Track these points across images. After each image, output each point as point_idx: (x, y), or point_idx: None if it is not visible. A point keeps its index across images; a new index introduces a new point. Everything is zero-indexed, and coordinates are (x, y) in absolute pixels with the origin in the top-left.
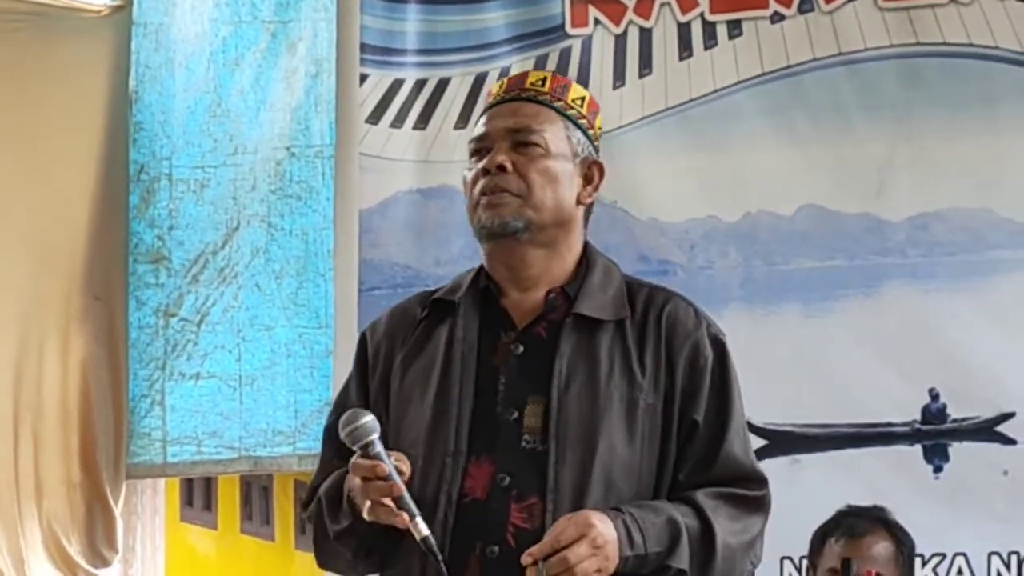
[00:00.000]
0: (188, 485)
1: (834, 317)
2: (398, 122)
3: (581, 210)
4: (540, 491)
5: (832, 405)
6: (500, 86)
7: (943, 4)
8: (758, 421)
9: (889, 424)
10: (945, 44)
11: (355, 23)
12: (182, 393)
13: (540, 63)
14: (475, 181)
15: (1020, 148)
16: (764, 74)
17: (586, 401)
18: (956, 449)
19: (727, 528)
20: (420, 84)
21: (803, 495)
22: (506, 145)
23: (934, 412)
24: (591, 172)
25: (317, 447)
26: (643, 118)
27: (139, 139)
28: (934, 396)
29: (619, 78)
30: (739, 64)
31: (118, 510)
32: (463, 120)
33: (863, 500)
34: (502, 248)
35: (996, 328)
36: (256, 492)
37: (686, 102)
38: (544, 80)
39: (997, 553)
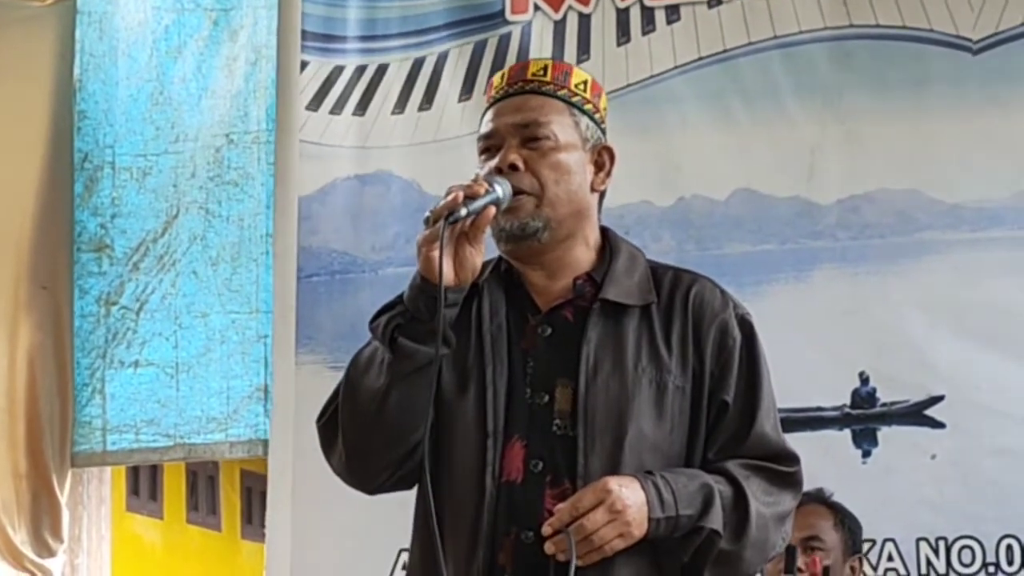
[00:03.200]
0: (134, 475)
1: (766, 301)
2: (337, 108)
3: (595, 197)
4: (571, 477)
5: None
6: (501, 78)
7: None
8: None
9: (819, 408)
10: (878, 27)
11: (296, 10)
12: (122, 381)
13: (479, 49)
14: (490, 175)
15: (949, 129)
16: (700, 59)
17: (614, 387)
18: (885, 433)
19: (760, 498)
20: (360, 70)
21: None
22: (515, 142)
23: (864, 396)
24: (602, 158)
25: (249, 434)
26: None
27: (83, 128)
28: (864, 380)
29: None
30: (676, 49)
31: (64, 500)
32: (400, 106)
33: None
34: (523, 249)
35: (925, 311)
36: (202, 482)
37: (623, 87)
38: (545, 68)
39: (925, 539)
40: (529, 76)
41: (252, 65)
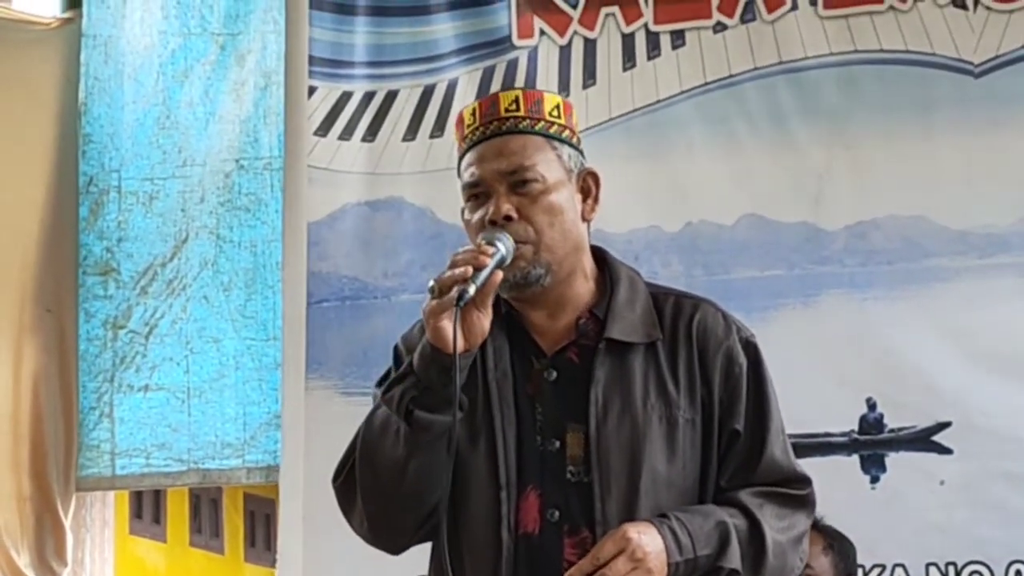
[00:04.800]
0: (137, 498)
1: (773, 327)
2: (346, 134)
3: (586, 226)
4: (589, 524)
5: None
6: (472, 114)
7: (881, 11)
8: None
9: (827, 434)
10: (882, 51)
11: (304, 35)
12: (131, 405)
13: (487, 74)
14: (480, 230)
15: (954, 153)
16: (706, 84)
17: (625, 428)
18: (893, 459)
19: (775, 525)
20: (368, 96)
21: None
22: (503, 189)
23: (871, 422)
24: (587, 184)
25: (266, 459)
26: (586, 129)
27: (88, 151)
28: (871, 406)
29: (563, 89)
30: (681, 74)
31: (68, 523)
32: (411, 132)
33: None
34: (527, 295)
35: (933, 337)
36: (205, 505)
37: (629, 112)
38: (517, 101)
39: (935, 564)
40: (503, 113)
41: (262, 90)
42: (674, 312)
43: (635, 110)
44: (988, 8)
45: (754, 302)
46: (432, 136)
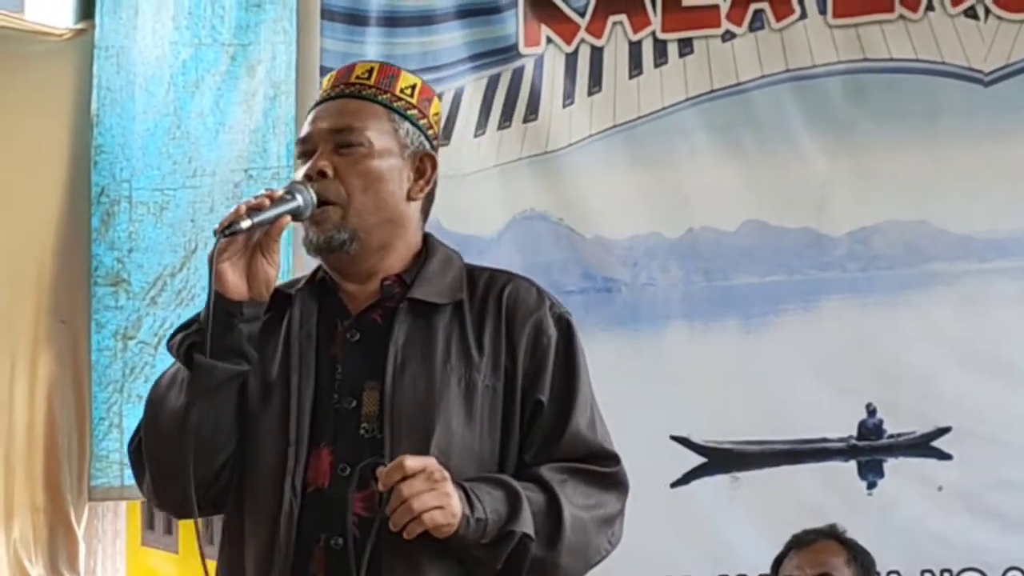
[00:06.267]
0: (149, 508)
1: (773, 333)
2: None
3: (415, 205)
4: (378, 477)
5: (770, 421)
6: (328, 80)
7: (891, 20)
8: (697, 438)
9: (824, 440)
10: (892, 60)
11: (315, 46)
12: (139, 416)
13: (493, 82)
14: (294, 183)
15: (960, 161)
16: (713, 91)
17: (421, 385)
18: (891, 465)
19: (577, 502)
20: None
21: (742, 512)
22: (328, 148)
23: (871, 427)
24: (423, 165)
25: None
26: (590, 136)
27: (100, 162)
28: (871, 411)
29: (569, 96)
30: (688, 81)
31: (80, 533)
32: None
33: (798, 516)
34: (333, 259)
35: (933, 342)
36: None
37: (634, 119)
38: (371, 71)
39: (930, 571)
40: (352, 79)
41: (271, 100)
42: (487, 282)
43: (640, 117)
44: (999, 18)
45: (754, 308)
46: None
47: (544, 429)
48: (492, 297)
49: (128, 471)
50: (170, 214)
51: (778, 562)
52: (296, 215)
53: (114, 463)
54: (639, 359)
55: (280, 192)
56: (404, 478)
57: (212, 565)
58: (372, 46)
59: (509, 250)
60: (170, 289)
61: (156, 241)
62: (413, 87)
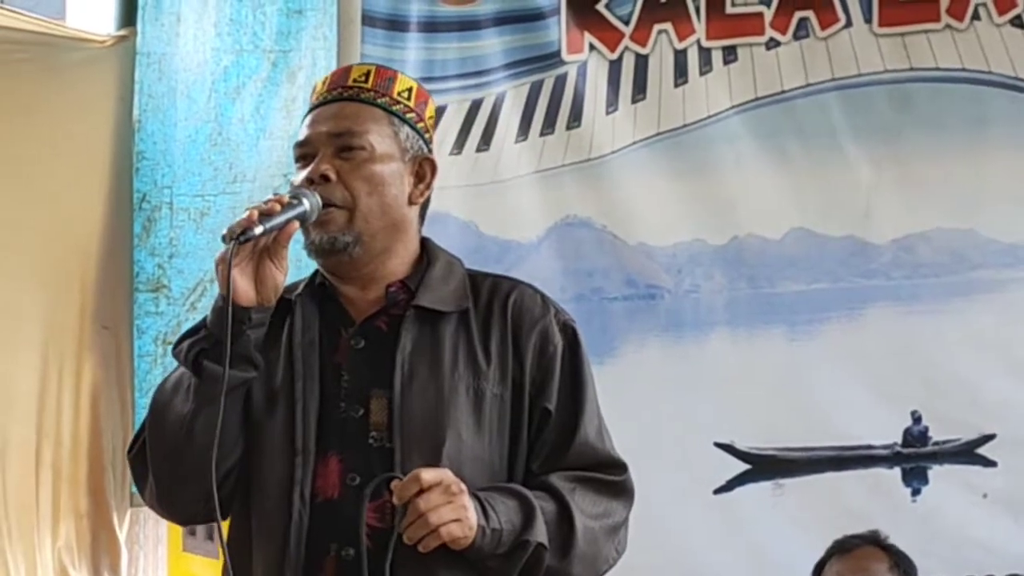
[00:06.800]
0: None
1: (818, 340)
2: None
3: (415, 209)
4: (391, 489)
5: (814, 428)
6: (324, 83)
7: (938, 30)
8: (741, 445)
9: (869, 447)
10: (938, 69)
11: (355, 52)
12: None
13: (535, 89)
14: (298, 188)
15: (1005, 168)
16: (757, 99)
17: (430, 394)
18: (936, 472)
19: (587, 511)
20: None
21: (785, 519)
22: (329, 151)
23: (915, 435)
24: (423, 169)
25: None
26: (634, 143)
27: (142, 168)
28: (916, 419)
29: (612, 103)
30: (733, 89)
31: (123, 539)
32: (458, 146)
33: (842, 523)
34: (334, 263)
35: (978, 349)
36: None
37: (680, 127)
38: (367, 74)
39: None
40: (349, 82)
41: None
42: (491, 289)
43: (685, 125)
44: None
45: (799, 315)
46: (478, 150)
47: (552, 438)
48: (497, 304)
49: None
50: (211, 220)
51: (819, 568)
52: (303, 220)
53: None
54: (682, 366)
55: (287, 197)
56: (420, 491)
57: None
58: (412, 52)
59: (550, 256)
60: (210, 295)
61: (196, 247)
62: (410, 90)
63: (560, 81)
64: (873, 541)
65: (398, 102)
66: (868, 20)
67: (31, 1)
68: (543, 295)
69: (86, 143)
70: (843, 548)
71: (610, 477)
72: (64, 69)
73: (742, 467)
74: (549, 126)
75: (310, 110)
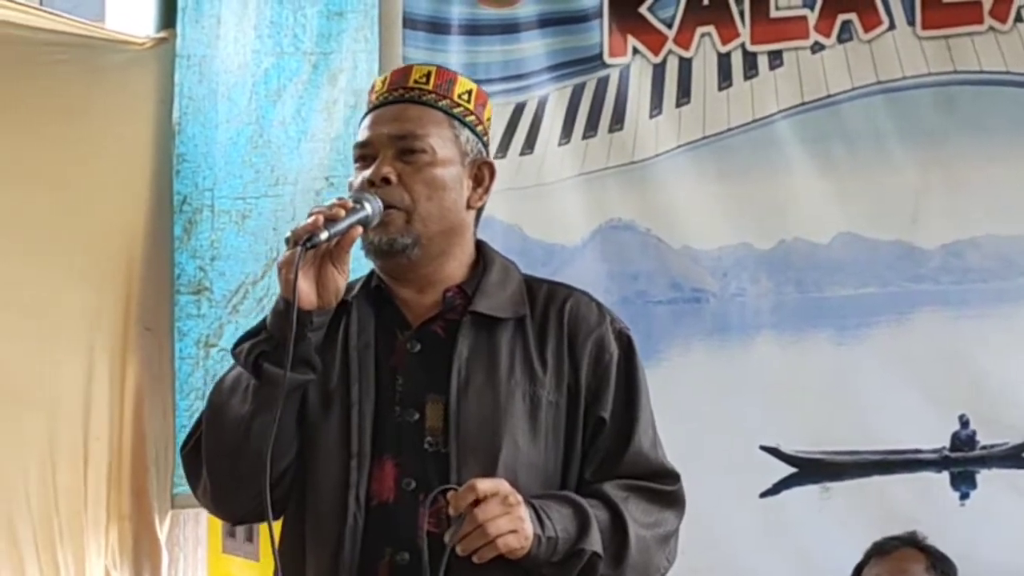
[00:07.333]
0: None
1: (866, 344)
2: None
3: (472, 213)
4: (447, 498)
5: (861, 432)
6: (383, 82)
7: (982, 32)
8: (788, 448)
9: (917, 451)
10: (982, 72)
11: (397, 54)
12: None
13: (577, 91)
14: (360, 191)
15: None
16: (803, 103)
17: (486, 400)
18: (984, 476)
19: (640, 520)
20: None
21: (832, 522)
22: (391, 153)
23: (963, 439)
24: (481, 173)
25: None
26: (678, 146)
27: (182, 170)
28: (964, 423)
29: (656, 107)
30: (779, 93)
31: (163, 541)
32: (502, 149)
33: (890, 527)
34: (392, 264)
35: None
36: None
37: (724, 131)
38: (428, 76)
39: None
40: (411, 84)
41: (352, 109)
42: (547, 296)
43: (730, 129)
44: None
45: (847, 320)
46: (522, 153)
47: (606, 446)
48: (553, 312)
49: None
50: (252, 222)
51: (859, 570)
52: (364, 224)
53: None
54: (728, 369)
55: (351, 202)
56: (476, 501)
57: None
58: (454, 54)
59: (595, 259)
60: (252, 297)
61: (238, 249)
62: (470, 92)
63: (602, 84)
64: (911, 542)
65: (459, 104)
66: (911, 23)
67: (71, 3)
68: (599, 303)
69: (126, 145)
70: (881, 550)
71: (663, 487)
72: (104, 71)
73: (788, 470)
74: (592, 129)
75: (370, 110)
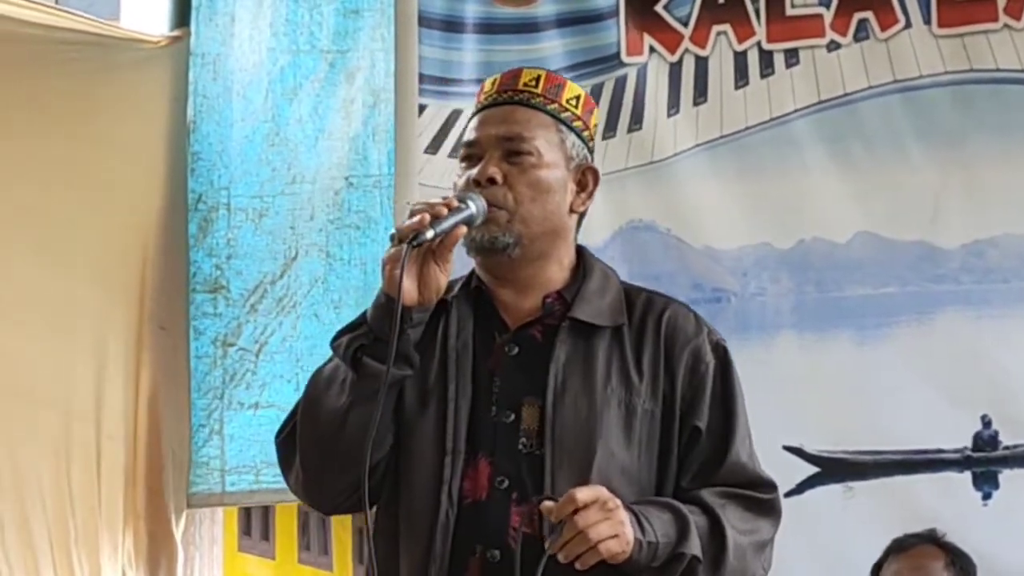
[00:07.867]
0: (246, 515)
1: (887, 344)
2: (457, 152)
3: (574, 218)
4: (539, 495)
5: (884, 432)
6: (493, 83)
7: (996, 30)
8: (810, 448)
9: (939, 450)
10: (998, 70)
11: (413, 53)
12: (240, 422)
13: (595, 91)
14: (465, 190)
15: None
16: (820, 102)
17: (582, 406)
18: (1006, 476)
19: (737, 526)
20: None
21: (855, 522)
22: (497, 154)
23: (986, 439)
24: (585, 178)
25: None
26: (697, 145)
27: (197, 168)
28: (986, 423)
29: (673, 106)
30: (795, 92)
31: (179, 539)
32: None
33: (913, 527)
34: (492, 262)
35: None
36: (314, 522)
37: (742, 130)
38: (538, 79)
39: None
40: (520, 86)
41: (370, 108)
42: (645, 305)
43: (747, 128)
44: None
45: (868, 319)
46: None
47: (702, 456)
48: (651, 321)
49: (230, 477)
50: (269, 221)
51: (878, 567)
52: (469, 223)
53: (214, 470)
54: (749, 368)
55: (455, 201)
56: (576, 510)
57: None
58: (470, 53)
59: (616, 260)
60: (270, 296)
61: (255, 248)
62: (578, 98)
63: (620, 83)
64: (930, 539)
65: (566, 109)
66: (927, 21)
67: (85, 1)
68: (696, 314)
69: (139, 144)
70: (900, 547)
71: (759, 495)
72: (118, 70)
73: (812, 470)
74: (611, 129)
75: (478, 110)
